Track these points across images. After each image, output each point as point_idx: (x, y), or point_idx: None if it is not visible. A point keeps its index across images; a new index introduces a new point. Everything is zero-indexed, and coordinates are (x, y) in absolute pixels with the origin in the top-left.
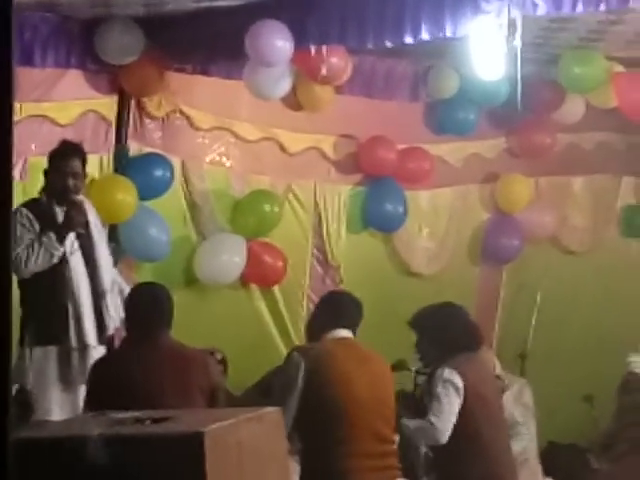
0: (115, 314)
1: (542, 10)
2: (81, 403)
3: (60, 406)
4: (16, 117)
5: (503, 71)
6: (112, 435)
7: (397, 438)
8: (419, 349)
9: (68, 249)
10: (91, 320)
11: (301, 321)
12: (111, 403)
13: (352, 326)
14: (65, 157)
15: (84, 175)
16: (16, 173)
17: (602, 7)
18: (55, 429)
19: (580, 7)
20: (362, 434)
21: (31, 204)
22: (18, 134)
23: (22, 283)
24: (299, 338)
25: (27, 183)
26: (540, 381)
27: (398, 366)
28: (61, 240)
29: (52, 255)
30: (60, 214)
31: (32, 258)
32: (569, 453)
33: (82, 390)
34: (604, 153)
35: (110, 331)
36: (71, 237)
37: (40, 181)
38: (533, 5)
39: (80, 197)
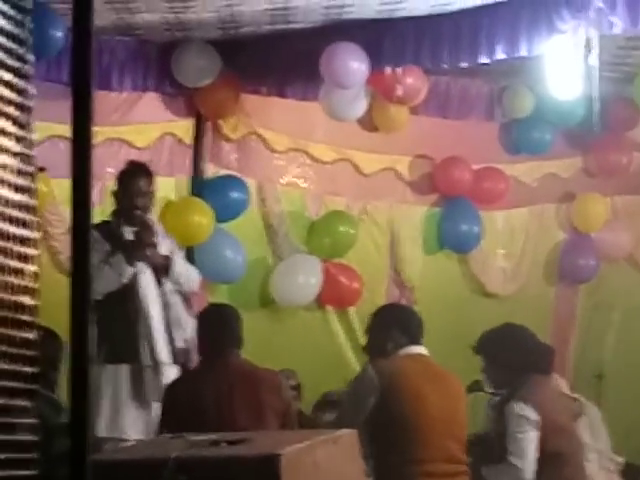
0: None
1: (618, 28)
2: (154, 420)
3: (134, 424)
4: (94, 141)
5: (579, 91)
6: (189, 457)
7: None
8: (487, 375)
9: (135, 270)
10: (162, 338)
11: None
12: (185, 424)
13: (418, 337)
14: (132, 177)
15: (152, 194)
16: (94, 197)
17: None
18: (133, 451)
19: None
20: (433, 454)
21: (101, 225)
22: (95, 158)
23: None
24: None
25: (105, 207)
26: (617, 402)
27: (473, 387)
28: (130, 260)
29: (121, 275)
30: (129, 234)
31: (101, 278)
32: None
33: (156, 408)
34: None
35: (180, 344)
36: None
37: None
38: (609, 24)
39: (151, 217)
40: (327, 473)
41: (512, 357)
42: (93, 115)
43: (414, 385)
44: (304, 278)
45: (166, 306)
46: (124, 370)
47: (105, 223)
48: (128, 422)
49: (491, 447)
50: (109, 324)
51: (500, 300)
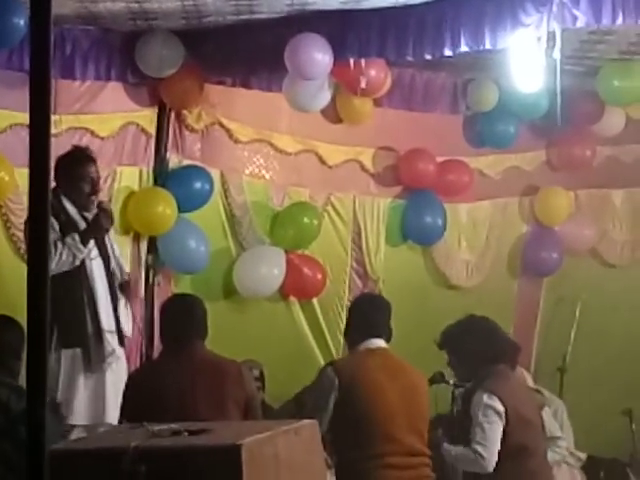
0: (127, 323)
1: (581, 22)
2: (105, 408)
3: (86, 409)
4: (57, 129)
5: (542, 84)
6: (149, 447)
7: (429, 452)
8: (451, 366)
9: (87, 253)
10: (105, 307)
11: (340, 333)
12: (146, 414)
13: (384, 331)
14: (82, 163)
15: (99, 180)
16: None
17: None
18: (92, 441)
19: (620, 19)
20: (393, 448)
21: (51, 205)
22: (59, 146)
23: None
24: (338, 350)
25: None
26: (579, 395)
27: (436, 379)
28: (84, 243)
29: (75, 257)
30: (76, 215)
31: (55, 258)
32: (609, 467)
33: (106, 394)
34: None
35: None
36: (91, 242)
37: None
38: (572, 17)
39: (108, 204)
40: (288, 463)
41: (476, 349)
42: (51, 103)
43: (373, 380)
44: (267, 269)
45: (111, 286)
46: (78, 355)
47: None
48: (81, 408)
49: (452, 427)
50: (59, 308)
51: (463, 292)
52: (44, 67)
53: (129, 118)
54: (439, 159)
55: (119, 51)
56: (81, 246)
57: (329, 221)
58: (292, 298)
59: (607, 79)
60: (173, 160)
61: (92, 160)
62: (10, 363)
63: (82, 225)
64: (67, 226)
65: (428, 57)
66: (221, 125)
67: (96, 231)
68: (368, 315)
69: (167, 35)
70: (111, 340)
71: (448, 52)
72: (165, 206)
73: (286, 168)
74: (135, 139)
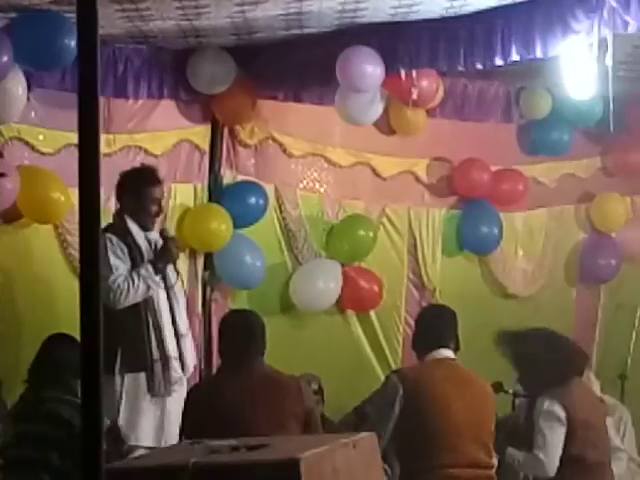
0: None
1: (633, 28)
2: (169, 432)
3: (150, 433)
4: (111, 148)
5: (595, 90)
6: (208, 463)
7: (495, 461)
8: (522, 380)
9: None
10: (170, 332)
11: (398, 345)
12: (205, 431)
13: (451, 342)
14: (153, 183)
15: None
16: (111, 205)
17: None
18: (151, 458)
19: None
20: (458, 459)
21: (114, 230)
22: (113, 165)
23: (112, 312)
24: (396, 362)
25: None
26: None
27: (495, 389)
28: (157, 272)
29: (149, 287)
30: (141, 238)
31: (132, 289)
32: None
33: (170, 419)
34: None
35: (190, 371)
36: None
37: None
38: (623, 23)
39: (170, 232)
40: (347, 477)
41: (549, 361)
42: (99, 122)
43: (439, 390)
44: (324, 282)
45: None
46: (142, 379)
47: (113, 226)
48: (147, 430)
49: (517, 430)
50: (127, 333)
51: (521, 301)
52: (92, 87)
53: (182, 135)
54: (493, 168)
55: (171, 69)
56: (155, 277)
57: (384, 233)
58: (349, 311)
59: None
60: (227, 176)
61: (159, 180)
62: (70, 381)
63: (145, 246)
64: (132, 249)
65: (479, 67)
66: (274, 140)
67: (167, 260)
68: (434, 325)
69: (218, 51)
70: (177, 367)
71: (499, 61)
72: (220, 222)
73: (340, 181)
74: (189, 156)
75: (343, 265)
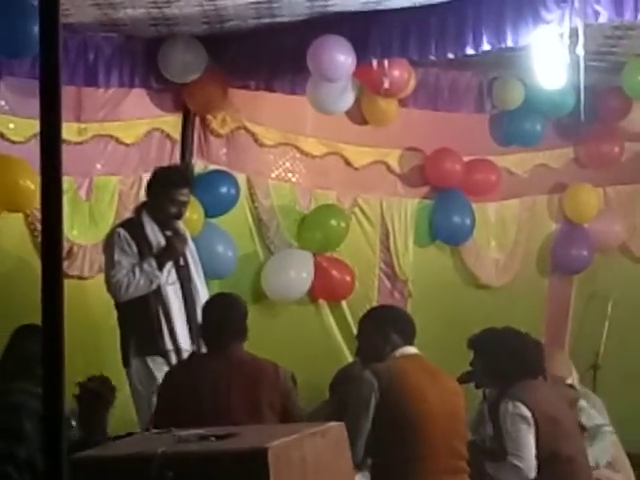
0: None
1: (604, 18)
2: None
3: None
4: (81, 137)
5: (567, 81)
6: (176, 453)
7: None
8: (474, 370)
9: (164, 279)
10: (181, 322)
11: None
12: (179, 416)
13: (412, 338)
14: (178, 185)
15: (187, 204)
16: (82, 193)
17: None
18: (118, 447)
19: None
20: (437, 451)
21: (128, 225)
22: (84, 154)
23: (121, 305)
24: None
25: (92, 203)
26: (613, 391)
27: (464, 379)
28: (160, 267)
29: (152, 282)
30: (157, 234)
31: (133, 284)
32: None
33: None
34: None
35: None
36: (168, 266)
37: (105, 201)
38: (595, 13)
39: (183, 226)
40: (315, 466)
41: (506, 364)
42: (61, 110)
43: (413, 383)
44: (296, 272)
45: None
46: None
47: (130, 222)
48: None
49: (486, 448)
50: (133, 323)
51: (493, 292)
52: (54, 74)
53: (154, 124)
54: (466, 158)
55: (142, 57)
56: (158, 272)
57: (356, 223)
58: (321, 301)
59: (632, 74)
60: (199, 165)
61: (185, 183)
62: (39, 373)
63: (157, 242)
64: (142, 244)
65: (451, 56)
66: (246, 129)
67: (171, 255)
68: (402, 324)
69: (189, 40)
70: (182, 341)
71: (470, 51)
72: (192, 211)
73: (312, 171)
74: (160, 145)
75: (315, 255)
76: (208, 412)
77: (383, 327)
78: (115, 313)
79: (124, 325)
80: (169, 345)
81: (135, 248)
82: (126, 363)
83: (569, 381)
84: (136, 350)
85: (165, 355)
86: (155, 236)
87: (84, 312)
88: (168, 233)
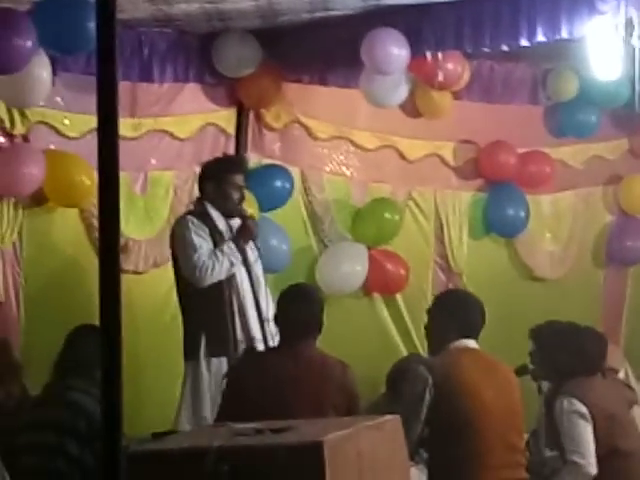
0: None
1: None
2: None
3: None
4: (136, 132)
5: (622, 71)
6: (232, 446)
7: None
8: (533, 361)
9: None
10: (253, 315)
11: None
12: (243, 412)
13: (476, 333)
14: (235, 171)
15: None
16: (137, 188)
17: None
18: (175, 441)
19: None
20: (494, 445)
21: (197, 214)
22: (138, 149)
23: (194, 296)
24: (423, 346)
25: (147, 198)
26: None
27: (521, 371)
28: (239, 249)
29: (232, 264)
30: (222, 223)
31: (217, 266)
32: None
33: None
34: None
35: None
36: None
37: (159, 196)
38: None
39: (249, 211)
40: (371, 459)
41: (564, 359)
42: (117, 105)
43: (468, 378)
44: (350, 266)
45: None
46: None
47: (195, 211)
48: None
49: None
50: (208, 315)
51: (548, 284)
52: (110, 69)
53: (208, 119)
54: (520, 151)
55: (196, 52)
56: (237, 254)
57: (411, 216)
58: (375, 294)
59: None
60: (253, 159)
61: (241, 168)
62: (95, 373)
63: (226, 230)
64: (213, 233)
65: (505, 48)
66: (300, 123)
67: (247, 236)
68: (461, 314)
69: (243, 35)
70: (255, 333)
71: (525, 42)
72: (246, 205)
73: (366, 164)
74: (214, 140)
75: (369, 248)
76: (271, 410)
77: (442, 315)
78: (171, 308)
79: (193, 317)
80: (240, 336)
81: (208, 235)
82: (189, 357)
83: (621, 374)
84: (208, 350)
85: (236, 348)
86: (223, 224)
87: (139, 306)
88: (234, 222)
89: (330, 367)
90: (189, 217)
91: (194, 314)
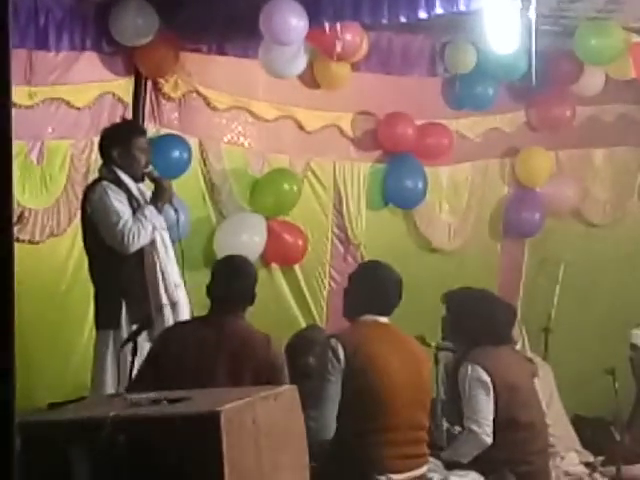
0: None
1: None
2: None
3: None
4: (32, 101)
5: (519, 44)
6: (128, 416)
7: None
8: (444, 328)
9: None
10: (173, 279)
11: (323, 299)
12: (161, 381)
13: (390, 309)
14: (140, 134)
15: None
16: (33, 157)
17: None
18: (70, 411)
19: None
20: (399, 422)
21: (110, 180)
22: (35, 118)
23: (109, 260)
24: (320, 317)
25: (44, 167)
26: (564, 354)
27: (419, 342)
28: (159, 212)
29: (155, 228)
30: (134, 188)
31: (142, 232)
32: (594, 426)
33: None
34: (625, 125)
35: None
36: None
37: (56, 165)
38: None
39: (157, 172)
40: (267, 429)
41: (473, 324)
42: (10, 74)
43: (377, 353)
44: (248, 236)
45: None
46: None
47: (106, 178)
48: None
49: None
50: (129, 282)
51: (446, 255)
52: (3, 36)
53: (105, 88)
54: (418, 122)
55: (93, 20)
56: (159, 217)
57: (309, 187)
58: (274, 265)
59: (584, 38)
60: (150, 129)
61: (143, 130)
62: None
63: (139, 197)
64: (130, 200)
65: (403, 20)
66: (198, 93)
67: (165, 197)
68: (376, 289)
69: (140, 3)
70: (169, 315)
71: (423, 14)
72: None
73: (264, 135)
74: (112, 109)
75: (267, 219)
76: (189, 377)
77: (357, 286)
78: (67, 277)
79: (110, 285)
80: (164, 299)
81: (125, 200)
82: (107, 325)
83: (518, 345)
84: (130, 317)
85: (162, 311)
86: (136, 191)
87: (34, 276)
88: (143, 186)
89: (253, 339)
90: (105, 183)
91: (113, 281)
